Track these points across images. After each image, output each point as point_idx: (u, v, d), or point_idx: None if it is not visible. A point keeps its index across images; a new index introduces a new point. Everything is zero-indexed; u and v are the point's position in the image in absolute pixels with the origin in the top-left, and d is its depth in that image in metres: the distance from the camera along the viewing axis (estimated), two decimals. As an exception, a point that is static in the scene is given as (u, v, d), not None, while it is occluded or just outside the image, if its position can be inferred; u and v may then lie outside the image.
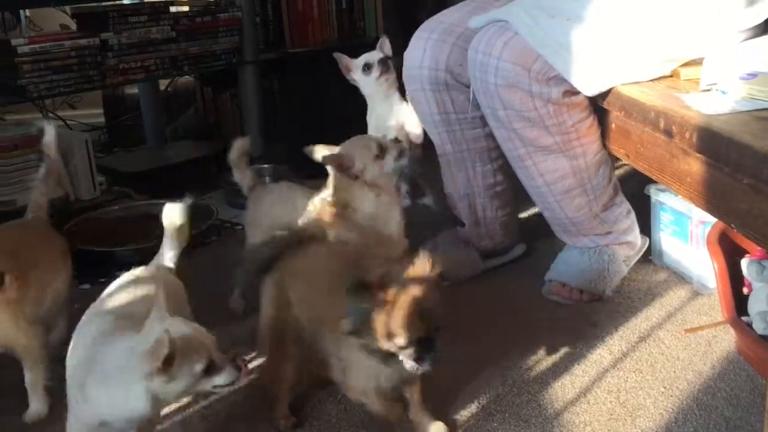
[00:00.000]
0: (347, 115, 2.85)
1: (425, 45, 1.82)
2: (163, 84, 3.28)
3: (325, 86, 3.12)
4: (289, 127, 3.11)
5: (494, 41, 1.64)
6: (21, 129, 2.46)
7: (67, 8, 3.03)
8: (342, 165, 1.63)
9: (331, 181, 1.67)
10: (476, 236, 1.99)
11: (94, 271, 2.08)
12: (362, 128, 2.35)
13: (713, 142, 1.23)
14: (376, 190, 1.65)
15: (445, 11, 1.90)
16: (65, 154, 2.50)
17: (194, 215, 2.36)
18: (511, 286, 1.94)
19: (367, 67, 2.19)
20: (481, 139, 1.88)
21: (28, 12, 3.40)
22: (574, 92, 1.64)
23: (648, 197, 1.97)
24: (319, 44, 3.24)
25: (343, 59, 2.26)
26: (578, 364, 1.58)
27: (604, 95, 1.61)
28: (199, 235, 2.29)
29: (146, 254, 1.48)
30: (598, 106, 1.68)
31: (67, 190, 2.51)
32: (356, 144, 1.68)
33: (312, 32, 3.27)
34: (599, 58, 1.57)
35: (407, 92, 1.95)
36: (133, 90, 3.26)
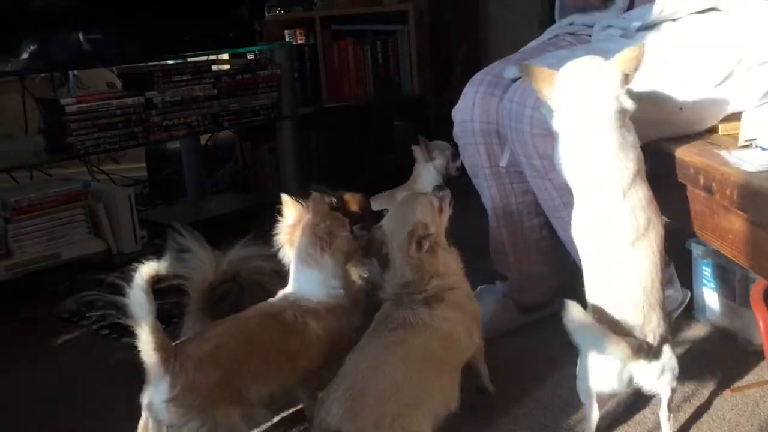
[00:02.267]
0: (381, 168, 2.91)
1: (474, 98, 1.84)
2: (203, 138, 3.36)
3: (360, 139, 3.18)
4: (326, 179, 3.16)
5: (529, 91, 1.66)
6: (67, 185, 2.53)
7: (114, 68, 3.14)
8: (420, 242, 1.50)
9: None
10: (519, 290, 1.98)
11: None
12: (397, 181, 2.39)
13: (754, 200, 1.22)
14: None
15: (493, 64, 1.92)
16: (109, 208, 2.58)
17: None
18: (549, 341, 1.91)
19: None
20: (529, 193, 1.88)
21: (76, 71, 3.53)
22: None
23: (689, 251, 1.94)
24: (355, 99, 3.30)
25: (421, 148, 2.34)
26: (622, 424, 1.54)
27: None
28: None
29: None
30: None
31: (109, 244, 2.57)
32: (413, 205, 1.57)
33: (348, 87, 3.35)
34: (638, 111, 1.57)
35: (459, 146, 1.95)
36: (174, 144, 3.34)
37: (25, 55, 2.29)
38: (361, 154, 3.15)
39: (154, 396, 1.33)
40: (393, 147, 3.15)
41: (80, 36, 2.39)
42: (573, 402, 1.62)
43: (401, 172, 2.43)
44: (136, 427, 1.38)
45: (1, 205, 2.36)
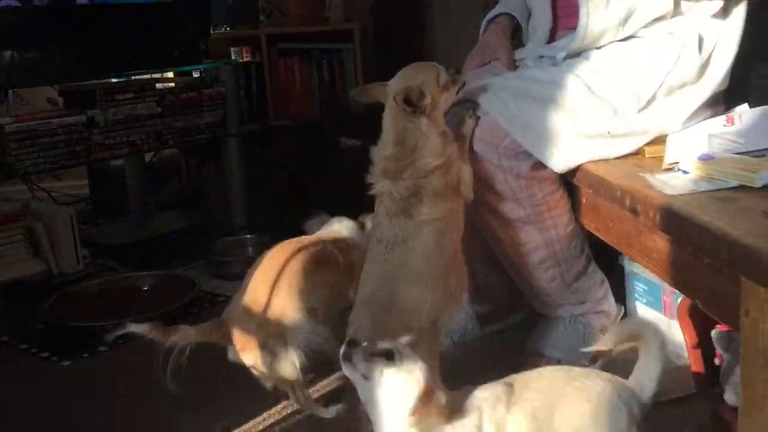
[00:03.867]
0: (330, 185, 2.93)
1: None
2: (147, 155, 3.33)
3: (308, 156, 3.20)
4: (272, 197, 3.17)
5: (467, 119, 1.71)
6: (6, 205, 2.49)
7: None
8: (409, 98, 1.51)
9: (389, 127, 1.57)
10: (478, 302, 2.03)
11: (77, 346, 2.09)
12: (346, 198, 2.38)
13: (675, 222, 1.28)
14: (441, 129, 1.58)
15: None
16: (49, 228, 2.54)
17: (176, 287, 2.43)
18: (492, 355, 1.96)
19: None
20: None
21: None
22: (543, 166, 1.70)
23: (622, 267, 2.01)
24: (302, 116, 3.32)
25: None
26: None
27: (573, 172, 1.67)
28: (181, 308, 2.31)
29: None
30: (569, 181, 1.74)
31: (49, 264, 2.53)
32: (421, 71, 1.59)
33: (295, 105, 3.36)
34: (565, 137, 1.63)
35: None
36: (118, 161, 3.31)
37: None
38: (308, 168, 3.17)
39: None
40: (340, 164, 3.18)
41: (20, 54, 2.35)
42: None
43: (346, 190, 2.44)
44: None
45: (-64, 225, 2.31)
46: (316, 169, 3.17)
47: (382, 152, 1.59)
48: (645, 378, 1.29)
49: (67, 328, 2.20)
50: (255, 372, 1.62)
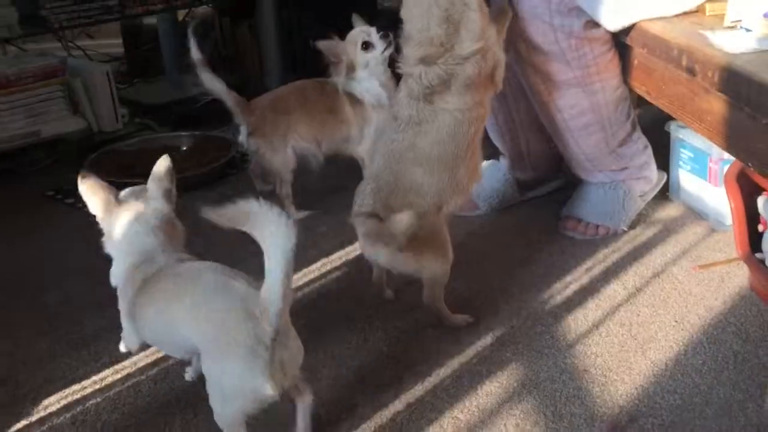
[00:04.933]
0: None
1: None
2: (181, 14, 3.25)
3: (345, 17, 3.10)
4: (308, 59, 3.09)
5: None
6: (44, 60, 2.47)
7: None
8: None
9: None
10: (519, 168, 2.01)
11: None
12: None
13: (734, 82, 1.23)
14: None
15: None
16: (87, 85, 2.53)
17: (213, 148, 2.44)
18: (529, 220, 1.97)
19: (365, 46, 1.98)
20: None
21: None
22: (595, 25, 1.63)
23: (667, 133, 1.97)
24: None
25: (329, 46, 1.99)
26: (591, 299, 1.62)
27: (627, 30, 1.60)
28: (218, 168, 2.33)
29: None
30: (620, 41, 1.67)
31: (89, 122, 2.55)
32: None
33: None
34: None
35: None
36: (151, 20, 3.24)
37: None
38: (345, 30, 3.08)
39: (242, 135, 2.00)
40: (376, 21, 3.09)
41: None
42: (547, 278, 1.70)
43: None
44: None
45: (-24, 80, 2.31)
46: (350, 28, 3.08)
47: (420, 35, 1.49)
48: (270, 286, 1.10)
49: (109, 183, 2.24)
50: (253, 158, 2.06)
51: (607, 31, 1.64)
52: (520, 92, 1.86)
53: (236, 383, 1.15)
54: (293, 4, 3.08)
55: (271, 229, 1.07)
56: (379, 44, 1.98)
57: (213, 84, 1.99)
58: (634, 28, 1.58)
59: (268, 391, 1.13)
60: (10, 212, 2.19)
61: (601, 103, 1.75)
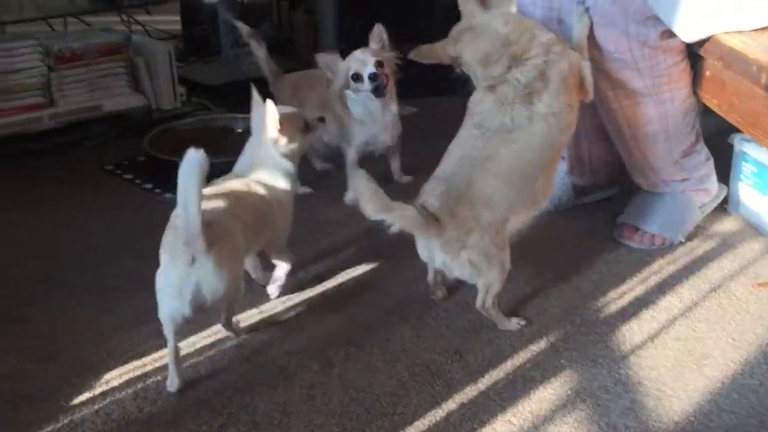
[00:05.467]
0: (423, 33, 2.85)
1: None
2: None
3: (403, 5, 3.09)
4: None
5: (592, -19, 1.61)
6: (109, 36, 2.51)
7: None
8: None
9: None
10: (578, 173, 2.00)
11: (175, 182, 2.16)
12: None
13: (819, 104, 1.21)
14: None
15: None
16: (149, 63, 2.57)
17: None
18: (585, 226, 1.96)
19: (355, 77, 1.98)
20: None
21: None
22: (671, 35, 1.61)
23: (730, 146, 1.94)
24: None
25: (326, 62, 2.02)
26: (646, 309, 1.61)
27: (702, 42, 1.58)
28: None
29: (222, 168, 1.57)
30: (691, 50, 1.65)
31: (149, 99, 2.58)
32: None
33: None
34: (702, 3, 1.52)
35: None
36: (211, -1, 3.27)
37: None
38: (403, 18, 3.06)
39: None
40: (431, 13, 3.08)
41: None
42: (602, 286, 1.69)
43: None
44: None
45: (45, 52, 2.35)
46: (409, 17, 3.07)
47: (490, 47, 1.50)
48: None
49: (165, 162, 2.27)
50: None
51: (683, 42, 1.62)
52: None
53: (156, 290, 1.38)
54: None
55: None
56: (367, 82, 1.97)
57: (259, 51, 2.19)
58: (709, 40, 1.56)
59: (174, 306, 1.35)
60: (70, 185, 2.24)
61: (668, 113, 1.73)
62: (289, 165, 1.61)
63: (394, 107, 2.08)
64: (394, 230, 1.43)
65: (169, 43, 2.76)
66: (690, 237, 1.87)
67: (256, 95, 1.60)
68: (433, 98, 2.63)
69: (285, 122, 1.57)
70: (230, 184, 1.57)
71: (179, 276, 1.34)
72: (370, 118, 2.06)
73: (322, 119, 1.74)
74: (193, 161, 1.29)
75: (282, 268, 1.67)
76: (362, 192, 1.39)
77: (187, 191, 1.29)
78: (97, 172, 2.32)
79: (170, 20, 3.53)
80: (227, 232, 1.41)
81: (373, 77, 1.96)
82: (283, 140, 1.58)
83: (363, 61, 1.97)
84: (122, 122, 2.54)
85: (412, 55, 1.59)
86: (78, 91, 2.43)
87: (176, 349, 1.40)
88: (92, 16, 3.06)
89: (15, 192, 2.20)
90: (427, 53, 1.57)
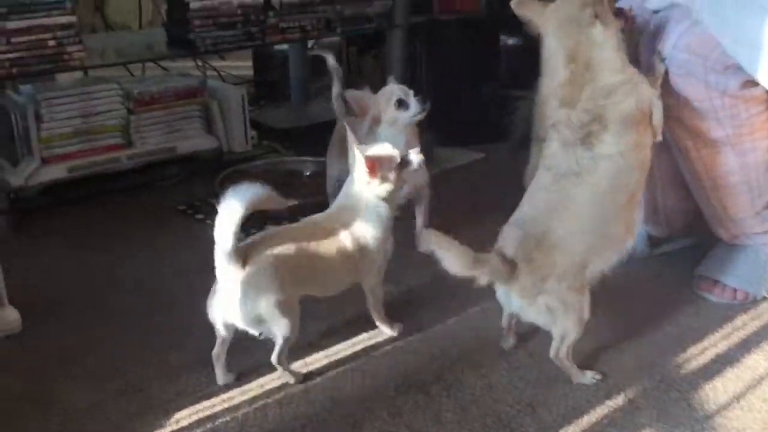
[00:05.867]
0: (486, 81, 2.86)
1: None
2: (309, 41, 3.35)
3: (469, 53, 3.12)
4: (429, 90, 3.13)
5: (671, 27, 1.58)
6: (186, 80, 2.60)
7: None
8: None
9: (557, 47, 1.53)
10: (653, 223, 1.96)
11: (245, 223, 2.19)
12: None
13: None
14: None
15: None
16: (222, 106, 2.64)
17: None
18: (661, 276, 1.90)
19: (399, 103, 1.89)
20: None
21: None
22: (753, 84, 1.56)
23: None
24: (467, 12, 3.21)
25: (358, 97, 1.98)
26: (730, 367, 1.54)
27: (787, 92, 1.53)
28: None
29: (291, 211, 1.62)
30: (776, 101, 1.60)
31: (221, 141, 2.65)
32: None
33: (460, 0, 3.25)
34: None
35: None
36: (281, 45, 3.35)
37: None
38: (468, 65, 3.09)
39: None
40: (498, 62, 3.10)
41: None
42: (681, 340, 1.63)
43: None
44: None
45: (126, 96, 2.44)
46: (474, 64, 3.10)
47: (552, 81, 1.49)
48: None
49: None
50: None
51: (765, 91, 1.58)
52: (662, 145, 1.81)
53: None
54: (421, 39, 3.12)
55: None
56: (414, 105, 1.89)
57: (335, 86, 2.17)
58: (795, 89, 1.51)
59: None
60: (144, 225, 2.30)
61: (750, 164, 1.68)
62: (383, 208, 1.57)
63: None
64: (481, 283, 1.40)
65: (242, 87, 2.84)
66: (773, 290, 1.79)
67: (351, 135, 1.58)
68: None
69: (375, 163, 1.53)
70: (309, 220, 1.60)
71: (215, 289, 1.47)
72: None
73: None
74: (242, 189, 1.38)
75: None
76: (445, 250, 1.37)
77: (226, 212, 1.37)
78: (171, 212, 2.37)
79: (243, 65, 3.64)
80: (265, 258, 1.44)
81: (422, 99, 1.88)
82: (375, 182, 1.55)
83: (404, 90, 1.92)
84: (195, 163, 2.60)
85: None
86: (155, 133, 2.51)
87: (222, 347, 1.52)
88: (169, 60, 3.19)
89: (92, 230, 2.27)
90: (524, 6, 1.53)
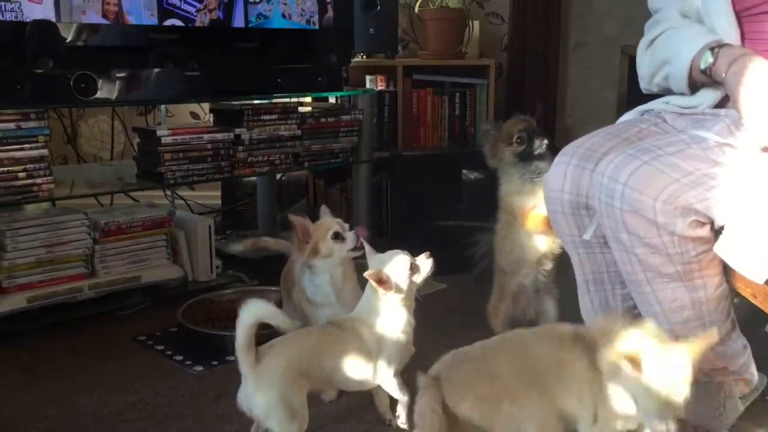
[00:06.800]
0: (451, 215, 2.95)
1: (566, 170, 1.85)
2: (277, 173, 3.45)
3: (432, 187, 3.23)
4: (395, 223, 3.21)
5: (622, 167, 1.68)
6: (153, 211, 2.63)
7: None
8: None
9: None
10: None
11: (207, 354, 2.17)
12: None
13: None
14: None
15: (585, 137, 1.93)
16: (189, 236, 2.66)
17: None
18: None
19: (336, 236, 1.95)
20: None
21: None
22: (699, 225, 1.64)
23: (767, 335, 1.92)
24: (430, 148, 3.35)
25: (303, 223, 1.98)
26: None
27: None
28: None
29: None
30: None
31: (186, 271, 2.65)
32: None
33: (424, 136, 3.40)
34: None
35: (547, 212, 1.93)
36: (250, 177, 3.44)
37: (121, 86, 2.37)
38: (432, 199, 3.19)
39: None
40: (460, 195, 3.21)
41: (180, 70, 2.48)
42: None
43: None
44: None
45: (93, 226, 2.46)
46: (438, 198, 3.20)
47: None
48: None
49: (199, 333, 2.29)
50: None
51: (711, 231, 1.65)
52: (620, 280, 1.87)
53: None
54: (386, 173, 3.24)
55: None
56: (350, 239, 1.93)
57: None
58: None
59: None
60: (101, 355, 2.25)
61: (702, 300, 1.73)
62: (399, 314, 1.67)
63: (354, 286, 1.98)
64: None
65: (209, 218, 2.88)
66: (732, 429, 1.80)
67: (368, 247, 1.72)
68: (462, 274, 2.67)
69: (382, 277, 1.64)
70: (331, 320, 1.76)
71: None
72: (328, 298, 1.98)
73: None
74: (253, 301, 1.60)
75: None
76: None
77: (240, 320, 1.56)
78: (130, 342, 2.33)
79: (212, 195, 3.70)
80: (275, 360, 1.57)
81: (356, 234, 1.92)
82: (387, 293, 1.65)
83: (340, 223, 1.96)
84: (158, 292, 2.59)
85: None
86: (119, 263, 2.51)
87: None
88: (138, 189, 3.23)
89: (48, 359, 2.22)
90: None
